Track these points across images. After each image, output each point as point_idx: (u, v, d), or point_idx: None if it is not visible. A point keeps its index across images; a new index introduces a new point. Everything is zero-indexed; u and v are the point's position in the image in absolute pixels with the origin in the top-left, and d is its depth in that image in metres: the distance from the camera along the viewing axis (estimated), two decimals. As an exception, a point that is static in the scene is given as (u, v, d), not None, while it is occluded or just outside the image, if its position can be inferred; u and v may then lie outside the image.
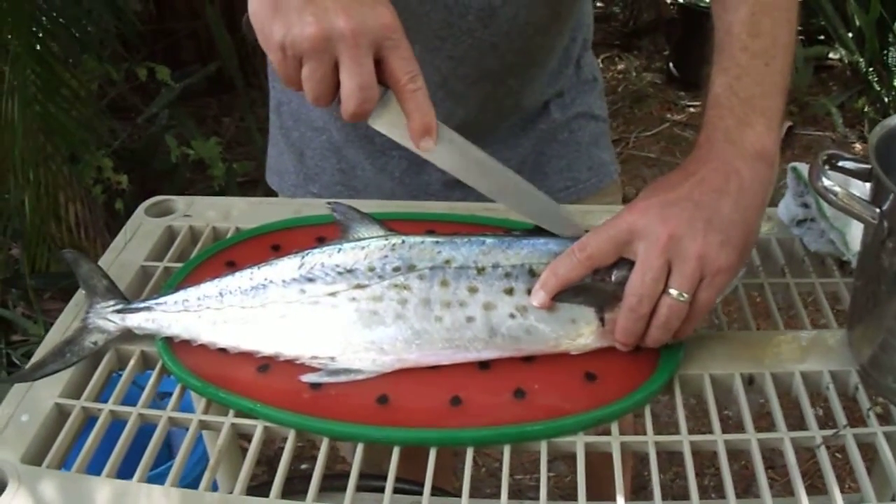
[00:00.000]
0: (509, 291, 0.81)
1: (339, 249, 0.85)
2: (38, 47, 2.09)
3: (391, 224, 0.89)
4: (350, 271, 0.83)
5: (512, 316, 0.81)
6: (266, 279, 0.85)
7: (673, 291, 0.77)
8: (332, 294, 0.82)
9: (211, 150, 2.76)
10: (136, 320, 0.86)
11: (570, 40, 1.16)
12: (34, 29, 2.09)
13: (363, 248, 0.84)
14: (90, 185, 2.49)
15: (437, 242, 0.84)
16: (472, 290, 0.81)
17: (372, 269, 0.83)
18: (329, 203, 0.89)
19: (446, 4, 0.99)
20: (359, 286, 0.82)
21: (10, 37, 1.97)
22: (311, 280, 0.83)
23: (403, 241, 0.84)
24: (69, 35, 2.30)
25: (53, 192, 2.18)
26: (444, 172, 1.14)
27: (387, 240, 0.85)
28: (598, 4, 4.27)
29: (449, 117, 1.08)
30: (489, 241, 0.84)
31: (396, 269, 0.83)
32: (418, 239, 0.84)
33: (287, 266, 0.85)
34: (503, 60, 1.05)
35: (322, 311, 0.82)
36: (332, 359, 0.81)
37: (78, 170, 2.45)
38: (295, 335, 0.83)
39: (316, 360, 0.82)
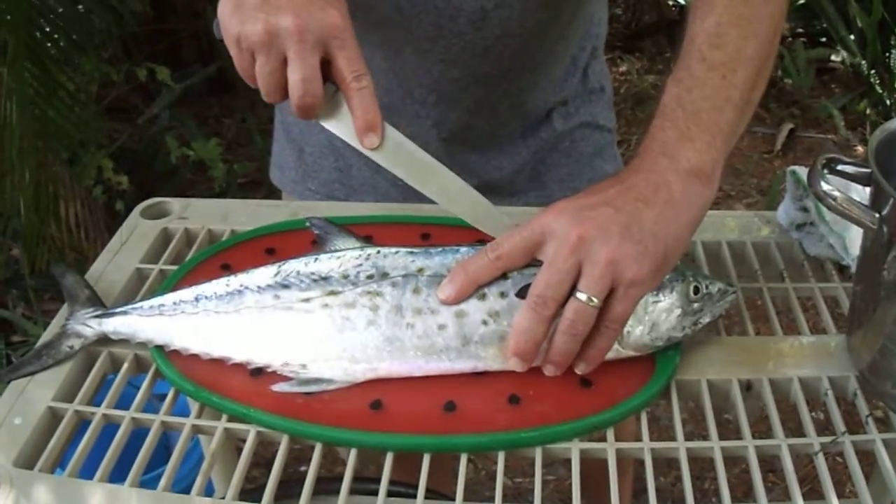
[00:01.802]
0: (482, 297, 0.80)
1: (316, 259, 0.85)
2: (36, 48, 2.09)
3: (387, 228, 0.89)
4: (325, 279, 0.83)
5: (484, 322, 0.80)
6: (242, 285, 0.85)
7: (580, 295, 0.75)
8: (306, 300, 0.82)
9: (211, 151, 2.75)
10: (112, 325, 0.86)
11: (578, 49, 1.15)
12: (32, 30, 2.09)
13: (339, 257, 0.85)
14: (90, 185, 2.48)
15: (412, 252, 0.84)
16: None
17: (346, 277, 0.83)
18: (307, 219, 0.91)
19: (437, 6, 0.98)
20: (332, 293, 0.82)
21: (7, 38, 1.97)
22: (286, 287, 0.83)
23: (378, 251, 0.84)
24: (67, 36, 2.30)
25: (53, 192, 2.18)
26: None
27: (362, 250, 0.85)
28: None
29: (441, 121, 1.08)
30: (463, 249, 0.83)
31: (370, 277, 0.82)
32: (393, 249, 0.84)
33: (263, 273, 0.85)
34: (498, 64, 1.05)
35: (295, 316, 0.82)
36: (304, 366, 0.81)
37: (78, 171, 2.44)
38: (267, 341, 0.82)
39: (287, 367, 0.81)
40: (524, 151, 1.16)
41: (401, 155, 0.85)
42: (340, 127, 0.84)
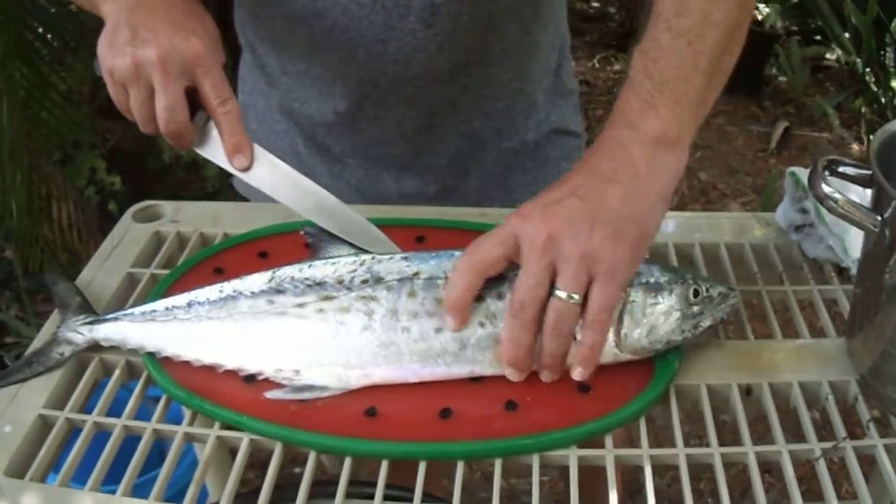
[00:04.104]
0: (478, 299, 0.79)
1: (311, 265, 0.84)
2: (27, 49, 2.08)
3: (381, 230, 0.89)
4: (319, 284, 0.82)
5: (481, 324, 0.79)
6: (236, 290, 0.84)
7: (560, 293, 0.74)
8: (300, 305, 0.81)
9: (204, 150, 2.74)
10: (103, 331, 0.86)
11: (549, 47, 1.13)
12: (22, 30, 2.08)
13: (334, 263, 0.84)
14: (83, 186, 2.47)
15: (407, 258, 0.83)
16: (440, 301, 0.79)
17: (341, 282, 0.82)
18: (302, 229, 0.92)
19: (384, 6, 0.97)
20: (327, 298, 0.81)
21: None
22: (280, 292, 0.82)
23: (373, 257, 0.84)
24: (59, 36, 2.28)
25: (46, 193, 2.17)
26: (399, 182, 1.14)
27: (357, 256, 0.85)
28: (595, 4, 4.26)
29: (402, 121, 1.07)
30: (458, 254, 0.82)
31: (365, 282, 0.81)
32: (387, 255, 0.84)
33: (257, 279, 0.84)
34: (452, 60, 1.03)
35: (289, 321, 0.81)
36: (297, 372, 0.80)
37: (70, 171, 2.43)
38: (260, 347, 0.81)
39: (280, 373, 0.80)
40: (493, 155, 1.15)
41: (273, 175, 0.89)
42: (213, 152, 0.88)
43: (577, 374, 0.78)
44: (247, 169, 0.88)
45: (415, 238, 0.96)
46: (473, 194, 1.16)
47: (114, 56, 0.83)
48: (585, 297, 0.74)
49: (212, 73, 0.84)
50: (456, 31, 1.00)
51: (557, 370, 0.78)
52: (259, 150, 0.88)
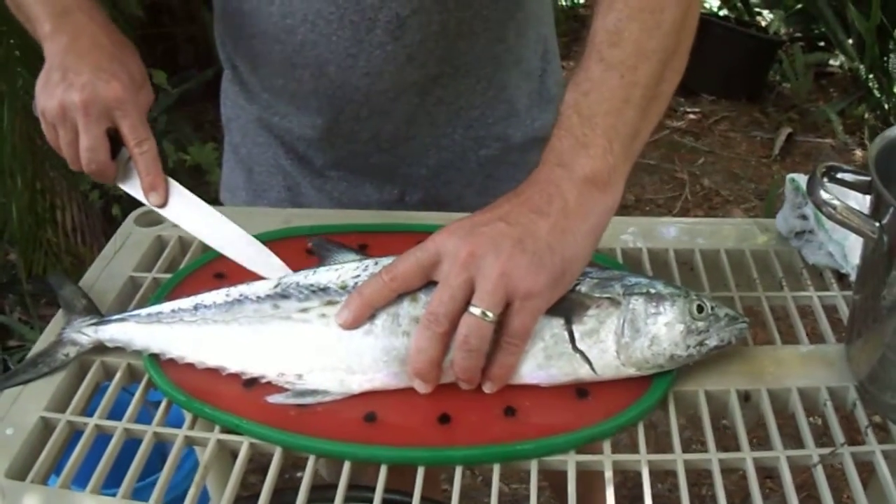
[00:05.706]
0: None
1: (315, 271, 0.85)
2: (30, 54, 2.08)
3: (383, 236, 0.89)
4: (323, 289, 0.82)
5: None
6: (242, 295, 0.84)
7: (474, 309, 0.74)
8: (304, 310, 0.82)
9: (208, 155, 2.75)
10: (108, 332, 0.86)
11: (531, 52, 1.13)
12: (25, 36, 2.08)
13: (337, 269, 0.84)
14: (87, 190, 2.48)
15: None
16: None
17: (344, 287, 0.82)
18: (310, 241, 0.92)
19: (352, 21, 0.97)
20: (330, 303, 0.81)
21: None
22: (285, 297, 0.83)
23: (377, 263, 0.84)
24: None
25: (49, 197, 2.17)
26: (381, 193, 1.14)
27: (361, 262, 0.85)
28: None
29: (378, 133, 1.08)
30: None
31: None
32: (390, 260, 0.83)
33: (263, 284, 0.85)
34: (424, 71, 1.03)
35: (292, 326, 0.81)
36: (300, 376, 0.80)
37: (75, 176, 2.44)
38: (264, 351, 0.82)
39: (283, 377, 0.81)
40: (474, 164, 1.14)
41: (185, 210, 0.93)
42: (134, 188, 0.93)
43: (487, 387, 0.79)
44: (162, 205, 0.92)
45: (416, 244, 0.95)
46: (456, 203, 1.15)
47: (46, 98, 0.88)
48: (502, 322, 0.75)
49: (130, 115, 0.89)
50: (425, 41, 1.00)
51: (472, 383, 0.79)
52: (175, 186, 0.93)
